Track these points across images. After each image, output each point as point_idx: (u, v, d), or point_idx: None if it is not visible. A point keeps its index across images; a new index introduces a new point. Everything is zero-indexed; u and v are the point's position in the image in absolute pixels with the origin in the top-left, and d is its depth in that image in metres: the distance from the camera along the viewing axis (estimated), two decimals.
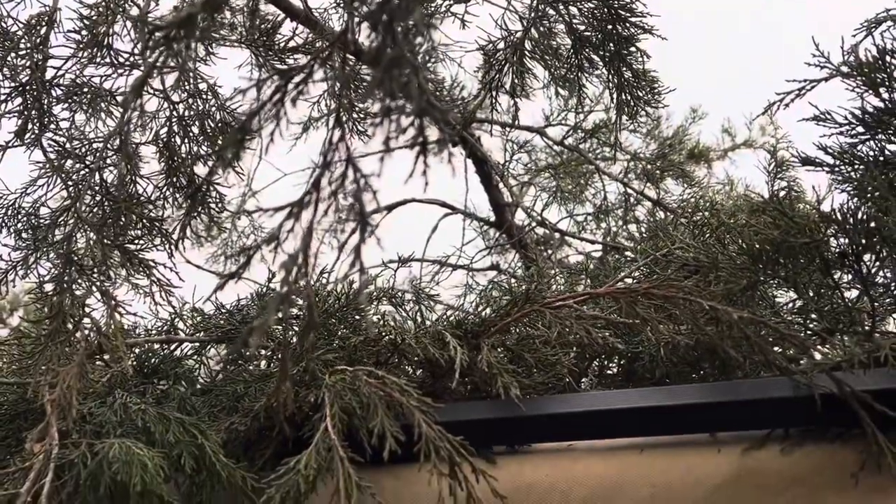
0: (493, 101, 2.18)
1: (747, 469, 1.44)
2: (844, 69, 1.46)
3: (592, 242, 2.44)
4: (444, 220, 2.86)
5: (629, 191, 2.42)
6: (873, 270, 1.44)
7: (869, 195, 1.43)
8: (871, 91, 1.42)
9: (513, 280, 2.00)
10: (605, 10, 1.89)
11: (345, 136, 1.11)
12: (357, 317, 1.78)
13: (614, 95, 2.00)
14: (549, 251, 2.35)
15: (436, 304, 1.96)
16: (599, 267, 2.08)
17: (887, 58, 1.43)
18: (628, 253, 2.08)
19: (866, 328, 1.52)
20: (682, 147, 2.40)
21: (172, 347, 1.72)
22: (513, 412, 1.53)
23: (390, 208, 2.88)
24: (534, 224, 2.44)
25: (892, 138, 1.44)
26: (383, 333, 1.67)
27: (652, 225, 2.14)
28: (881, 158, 1.42)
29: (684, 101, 2.56)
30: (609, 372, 1.86)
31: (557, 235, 2.44)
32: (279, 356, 1.58)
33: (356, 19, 1.03)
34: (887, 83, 1.41)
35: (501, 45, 2.01)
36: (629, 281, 1.76)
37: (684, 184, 2.38)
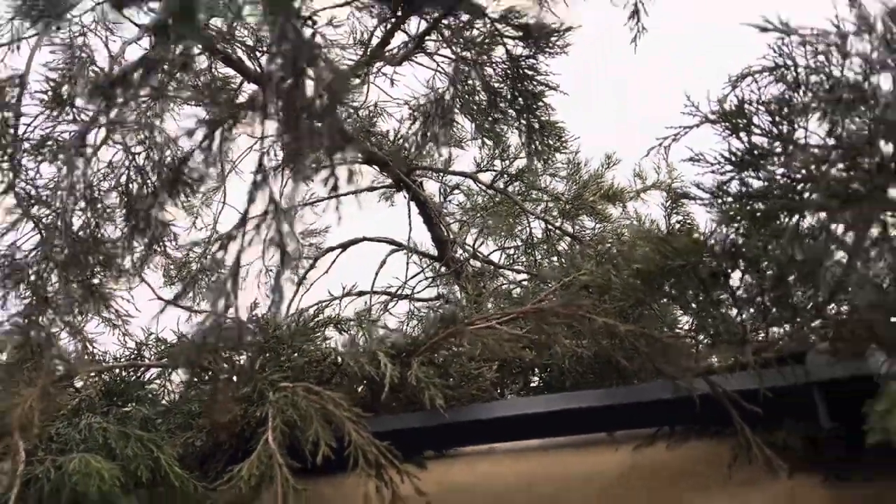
0: (427, 150, 2.27)
1: (639, 464, 1.47)
2: (712, 116, 1.53)
3: (519, 272, 2.53)
4: (392, 256, 2.90)
5: (550, 227, 2.49)
6: (739, 288, 1.51)
7: (735, 224, 1.50)
8: (734, 135, 1.50)
9: (446, 305, 2.02)
10: (515, 69, 1.99)
11: (267, 179, 1.16)
12: (304, 342, 1.81)
13: (527, 143, 2.11)
14: (484, 281, 2.39)
15: (377, 329, 2.00)
16: (523, 293, 2.13)
17: (746, 106, 1.50)
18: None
19: (741, 337, 1.58)
20: (598, 189, 2.48)
21: (138, 373, 1.72)
22: (439, 420, 1.53)
23: (344, 246, 2.95)
24: (468, 257, 2.49)
25: (754, 175, 1.51)
26: (325, 355, 1.69)
27: (566, 255, 2.22)
28: (745, 192, 1.49)
29: (602, 149, 2.66)
30: (532, 385, 1.90)
31: (491, 267, 2.52)
32: (226, 378, 1.60)
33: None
34: (747, 128, 1.49)
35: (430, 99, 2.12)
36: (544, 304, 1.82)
37: (596, 220, 2.46)
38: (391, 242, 2.81)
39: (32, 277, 1.63)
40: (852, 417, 1.26)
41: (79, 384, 1.70)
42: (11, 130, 1.73)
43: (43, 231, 1.73)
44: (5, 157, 1.70)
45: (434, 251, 2.59)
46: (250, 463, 1.32)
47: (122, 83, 1.06)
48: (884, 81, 1.42)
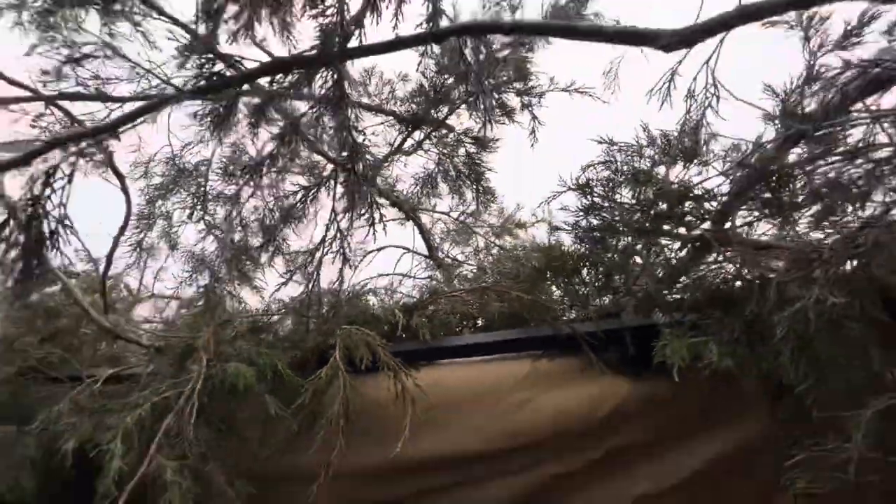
0: (423, 199, 2.30)
1: (533, 370, 1.43)
2: (573, 186, 1.54)
3: (472, 266, 2.56)
4: (404, 256, 2.96)
5: (488, 242, 2.48)
6: (588, 278, 1.53)
7: (584, 242, 1.51)
8: (584, 196, 1.51)
9: (432, 283, 1.99)
10: (471, 159, 2.04)
11: (336, 218, 1.18)
12: (356, 303, 1.77)
13: (476, 197, 2.15)
14: (453, 271, 2.39)
15: (395, 295, 1.96)
16: (475, 278, 2.13)
17: (590, 182, 1.51)
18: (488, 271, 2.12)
19: (586, 303, 1.57)
20: (513, 222, 2.51)
21: (268, 319, 1.66)
22: (427, 346, 1.51)
23: (378, 250, 2.98)
24: (445, 257, 2.48)
25: (595, 217, 1.50)
26: (366, 310, 1.63)
27: (497, 259, 2.19)
28: (589, 226, 1.50)
29: (517, 198, 2.66)
30: (477, 326, 1.86)
31: (457, 262, 2.53)
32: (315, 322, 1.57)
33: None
34: (590, 193, 1.50)
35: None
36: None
37: (513, 238, 2.49)
38: (404, 248, 2.78)
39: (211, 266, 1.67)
40: (644, 347, 1.27)
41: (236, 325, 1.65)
42: (202, 188, 1.76)
43: (218, 242, 1.75)
44: (199, 204, 1.73)
45: (427, 253, 2.56)
46: (326, 369, 1.31)
47: (261, 165, 1.08)
48: (661, 170, 1.45)
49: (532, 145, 1.91)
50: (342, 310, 1.60)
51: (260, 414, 1.32)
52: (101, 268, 2.13)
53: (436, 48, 1.46)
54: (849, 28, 1.24)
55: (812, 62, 1.24)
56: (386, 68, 2.18)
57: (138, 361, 1.73)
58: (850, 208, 1.22)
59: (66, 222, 1.23)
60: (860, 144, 1.21)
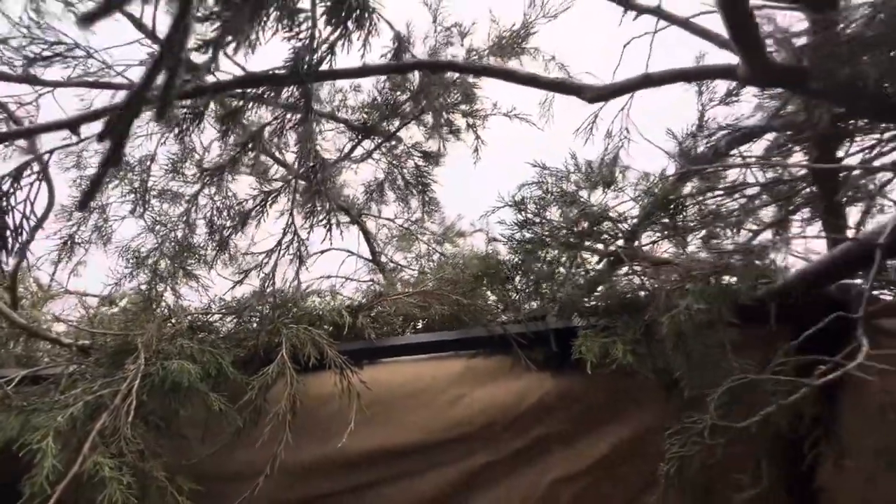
0: (370, 206, 2.35)
1: (469, 367, 1.52)
2: (510, 203, 1.67)
3: (415, 270, 2.64)
4: (349, 259, 2.98)
5: (430, 248, 2.57)
6: (520, 285, 1.67)
7: (519, 253, 1.65)
8: (519, 212, 1.65)
9: (376, 285, 2.02)
10: (418, 170, 2.13)
11: (294, 223, 1.22)
12: (302, 303, 1.77)
13: (421, 207, 2.25)
14: (396, 274, 2.44)
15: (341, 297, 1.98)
16: (416, 281, 2.19)
17: (525, 200, 1.65)
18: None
19: (517, 307, 1.70)
20: (454, 231, 2.58)
21: (209, 317, 1.63)
22: (371, 345, 1.55)
23: (322, 252, 2.96)
24: (388, 261, 2.53)
25: (528, 231, 1.64)
26: (313, 310, 1.63)
27: (438, 264, 2.27)
28: (522, 239, 1.64)
29: (458, 209, 2.78)
30: (418, 328, 1.92)
31: (400, 266, 2.60)
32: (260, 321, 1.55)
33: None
34: (524, 210, 1.64)
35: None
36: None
37: (453, 247, 2.59)
38: (349, 252, 2.79)
39: (151, 263, 1.59)
40: (565, 346, 1.41)
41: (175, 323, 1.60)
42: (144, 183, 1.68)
43: (159, 238, 1.68)
44: (140, 200, 1.64)
45: (370, 256, 2.58)
46: (273, 366, 1.33)
47: (221, 168, 1.09)
48: (584, 194, 1.63)
49: (475, 162, 2.04)
50: (288, 310, 1.60)
51: (202, 412, 1.30)
52: (11, 261, 1.94)
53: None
54: (730, 89, 1.50)
55: (703, 113, 1.48)
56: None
57: (53, 361, 1.61)
58: (728, 233, 1.47)
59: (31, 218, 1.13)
60: (735, 183, 1.46)
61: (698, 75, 1.15)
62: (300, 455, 1.45)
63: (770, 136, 1.39)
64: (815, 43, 0.84)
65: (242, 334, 1.54)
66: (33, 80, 1.52)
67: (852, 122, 1.10)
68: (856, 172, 0.95)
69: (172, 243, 1.61)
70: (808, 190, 1.30)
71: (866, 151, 1.15)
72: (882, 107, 0.83)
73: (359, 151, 2.24)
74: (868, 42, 0.73)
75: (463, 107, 1.92)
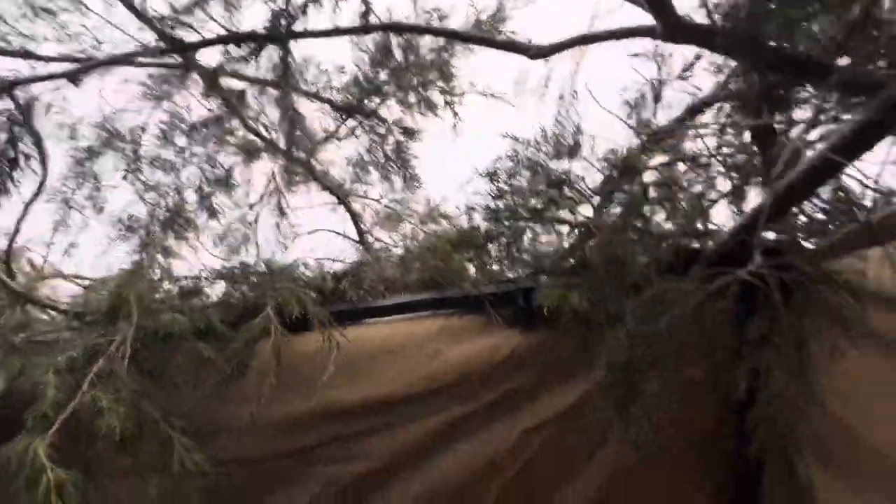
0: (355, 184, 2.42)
1: (445, 326, 1.61)
2: (483, 175, 1.77)
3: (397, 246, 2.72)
4: (335, 239, 3.03)
5: (414, 226, 2.63)
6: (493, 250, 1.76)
7: (491, 220, 1.74)
8: (492, 182, 1.74)
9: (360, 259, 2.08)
10: (399, 146, 2.22)
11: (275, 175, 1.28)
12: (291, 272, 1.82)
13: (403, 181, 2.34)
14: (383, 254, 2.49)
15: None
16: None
17: (498, 171, 1.74)
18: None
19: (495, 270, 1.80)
20: (437, 210, 2.60)
21: (201, 282, 1.68)
22: (354, 307, 1.63)
23: (310, 232, 3.04)
24: (373, 239, 2.60)
25: (499, 201, 1.73)
26: (300, 277, 1.70)
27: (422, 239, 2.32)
28: (495, 208, 1.73)
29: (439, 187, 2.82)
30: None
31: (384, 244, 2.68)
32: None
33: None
34: (496, 181, 1.73)
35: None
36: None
37: (434, 223, 2.65)
38: (337, 233, 2.86)
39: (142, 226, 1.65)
40: (533, 303, 1.51)
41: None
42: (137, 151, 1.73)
43: (151, 205, 1.75)
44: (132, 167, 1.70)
45: (356, 236, 2.64)
46: (258, 319, 1.41)
47: (206, 124, 1.15)
48: (554, 165, 1.73)
49: (453, 140, 2.13)
50: (275, 274, 1.67)
51: (191, 364, 1.37)
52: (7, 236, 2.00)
53: (369, 43, 1.61)
54: (686, 65, 1.61)
55: (659, 88, 1.59)
56: (324, 59, 2.29)
57: (52, 327, 1.68)
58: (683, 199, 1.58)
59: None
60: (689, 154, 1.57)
61: (626, 34, 1.26)
62: (287, 409, 1.54)
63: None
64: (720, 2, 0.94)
65: (230, 298, 1.61)
66: (28, 56, 1.58)
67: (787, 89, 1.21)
68: (791, 136, 1.05)
69: (163, 209, 1.68)
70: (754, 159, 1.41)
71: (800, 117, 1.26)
72: (778, 60, 0.94)
73: (343, 131, 2.32)
74: (764, 2, 0.83)
75: (440, 84, 2.01)
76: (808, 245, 1.13)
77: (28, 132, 1.77)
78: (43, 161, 1.88)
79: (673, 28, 1.00)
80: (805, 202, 1.17)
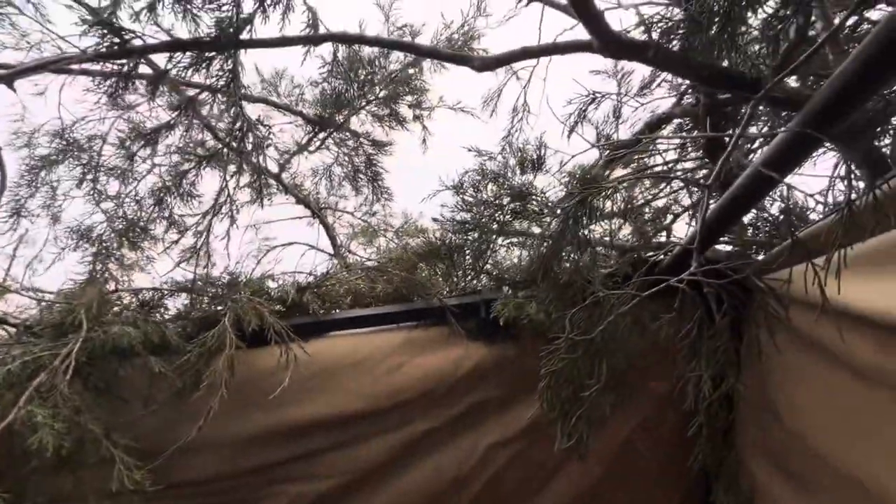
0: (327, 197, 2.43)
1: (409, 339, 1.60)
2: (451, 186, 1.78)
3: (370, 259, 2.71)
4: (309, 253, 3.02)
5: (385, 237, 2.64)
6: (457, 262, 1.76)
7: (456, 232, 1.74)
8: (457, 195, 1.76)
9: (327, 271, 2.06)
10: (369, 159, 2.24)
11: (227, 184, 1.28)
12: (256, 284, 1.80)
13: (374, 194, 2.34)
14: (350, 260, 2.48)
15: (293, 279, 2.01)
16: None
17: (464, 184, 1.76)
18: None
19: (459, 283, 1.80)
20: (408, 223, 2.67)
21: (158, 295, 1.68)
22: (316, 319, 1.59)
23: (283, 245, 3.02)
24: (346, 252, 2.59)
25: (465, 213, 1.74)
26: (264, 290, 1.65)
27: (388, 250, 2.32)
28: (460, 220, 1.73)
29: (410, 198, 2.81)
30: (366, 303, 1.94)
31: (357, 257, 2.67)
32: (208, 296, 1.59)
33: None
34: (463, 194, 1.74)
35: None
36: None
37: (403, 237, 2.65)
38: (310, 246, 2.84)
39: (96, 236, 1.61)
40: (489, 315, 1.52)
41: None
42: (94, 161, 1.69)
43: (106, 214, 1.70)
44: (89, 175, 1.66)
45: (330, 248, 2.64)
46: (214, 331, 1.36)
47: (158, 132, 1.15)
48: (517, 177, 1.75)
49: (423, 152, 2.15)
50: (237, 287, 1.64)
51: (142, 379, 1.33)
52: None
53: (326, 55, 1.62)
54: (643, 83, 1.66)
55: (619, 104, 1.63)
56: (297, 73, 2.31)
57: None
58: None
59: None
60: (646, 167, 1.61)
61: (566, 49, 1.30)
62: (245, 426, 1.51)
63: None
64: (654, 21, 0.99)
65: (190, 311, 1.57)
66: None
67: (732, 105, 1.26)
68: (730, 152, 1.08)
69: (120, 218, 1.64)
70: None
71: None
72: (711, 75, 0.98)
73: (315, 144, 2.32)
74: (692, 22, 0.87)
75: (408, 98, 2.04)
76: (755, 257, 1.16)
77: None
78: (1, 168, 1.84)
79: (606, 43, 1.03)
80: (754, 214, 1.20)
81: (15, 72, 1.18)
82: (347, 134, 2.16)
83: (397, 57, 2.06)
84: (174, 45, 1.09)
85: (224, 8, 1.05)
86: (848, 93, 0.70)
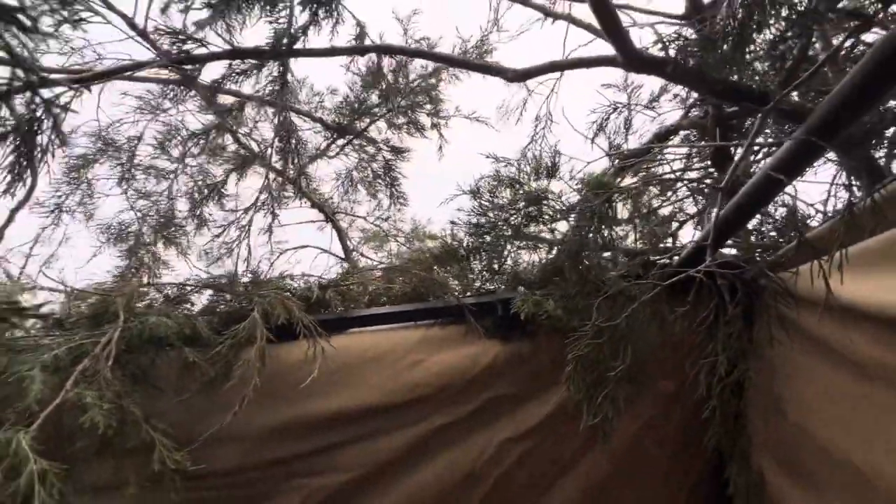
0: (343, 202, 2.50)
1: (426, 336, 1.64)
2: (467, 191, 1.86)
3: (381, 262, 2.77)
4: (321, 256, 3.08)
5: (398, 242, 2.70)
6: (474, 263, 1.83)
7: (474, 235, 1.82)
8: (474, 199, 1.83)
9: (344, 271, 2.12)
10: (388, 164, 2.32)
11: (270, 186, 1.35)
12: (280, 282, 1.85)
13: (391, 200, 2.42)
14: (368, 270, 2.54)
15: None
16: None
17: (479, 188, 1.84)
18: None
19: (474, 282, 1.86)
20: (422, 230, 2.71)
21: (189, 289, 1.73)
22: (339, 315, 1.66)
23: (295, 249, 3.08)
24: (358, 254, 2.66)
25: (482, 217, 1.81)
26: (288, 288, 1.71)
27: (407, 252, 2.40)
28: (476, 223, 1.81)
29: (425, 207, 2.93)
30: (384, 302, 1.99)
31: (370, 261, 2.74)
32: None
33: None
34: (480, 198, 1.83)
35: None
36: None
37: (418, 241, 2.73)
38: (322, 250, 2.90)
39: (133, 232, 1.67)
40: (513, 315, 1.56)
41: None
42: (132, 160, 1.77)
43: (140, 213, 1.77)
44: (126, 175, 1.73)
45: (341, 252, 2.69)
46: (244, 325, 1.41)
47: (206, 133, 1.22)
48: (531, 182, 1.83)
49: (439, 159, 2.24)
50: (262, 284, 1.69)
51: (176, 369, 1.38)
52: None
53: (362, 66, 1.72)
54: (652, 96, 1.76)
55: (630, 115, 1.73)
56: (317, 82, 2.40)
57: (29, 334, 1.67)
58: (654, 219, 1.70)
59: None
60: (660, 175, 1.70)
61: (592, 63, 1.40)
62: (268, 419, 1.54)
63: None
64: (672, 39, 1.08)
65: (217, 306, 1.62)
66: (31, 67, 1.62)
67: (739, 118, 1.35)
68: (741, 158, 1.16)
69: (155, 216, 1.70)
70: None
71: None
72: (723, 90, 1.07)
73: (334, 150, 2.41)
74: (707, 41, 0.96)
75: (428, 107, 2.13)
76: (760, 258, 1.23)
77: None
78: (33, 169, 1.90)
79: (630, 58, 1.12)
80: (758, 220, 1.29)
81: (90, 76, 1.26)
82: (366, 140, 2.25)
83: (415, 67, 2.15)
84: (234, 54, 1.17)
85: (281, 20, 1.13)
86: (847, 106, 0.79)
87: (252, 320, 1.41)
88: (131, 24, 1.73)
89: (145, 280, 1.58)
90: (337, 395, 1.60)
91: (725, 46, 0.87)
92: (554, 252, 1.67)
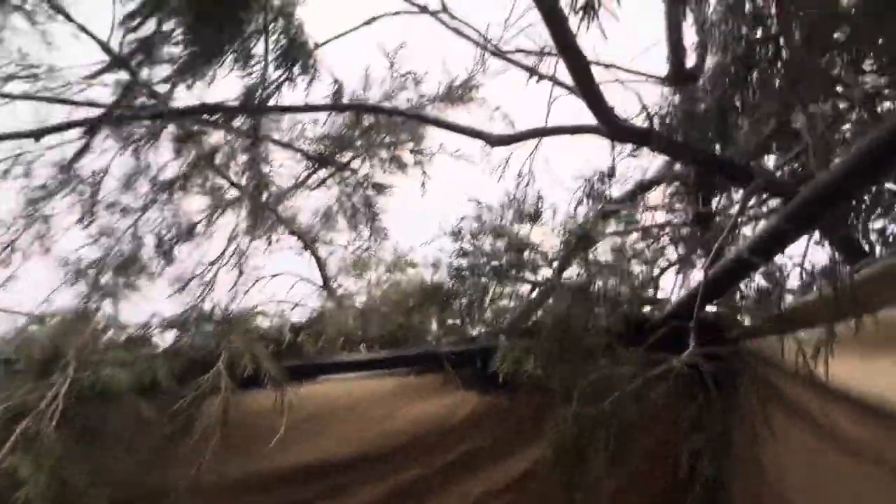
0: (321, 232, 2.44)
1: (401, 384, 1.59)
2: (448, 233, 1.83)
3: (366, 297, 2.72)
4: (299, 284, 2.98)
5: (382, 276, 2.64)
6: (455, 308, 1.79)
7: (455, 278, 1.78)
8: (455, 241, 1.80)
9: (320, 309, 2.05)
10: (367, 199, 2.28)
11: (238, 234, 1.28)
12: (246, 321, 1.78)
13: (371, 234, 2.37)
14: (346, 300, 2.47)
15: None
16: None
17: (462, 231, 1.80)
18: None
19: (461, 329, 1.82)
20: (404, 260, 2.68)
21: (147, 331, 1.63)
22: (311, 361, 1.59)
23: (273, 276, 2.99)
24: (337, 286, 2.58)
25: (464, 259, 1.78)
26: (256, 329, 1.63)
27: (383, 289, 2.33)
28: (458, 266, 1.77)
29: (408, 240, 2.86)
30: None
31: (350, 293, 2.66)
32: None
33: None
34: (461, 239, 1.79)
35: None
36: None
37: (400, 274, 2.67)
38: (299, 276, 2.81)
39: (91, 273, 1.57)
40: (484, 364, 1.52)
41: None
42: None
43: (103, 251, 1.67)
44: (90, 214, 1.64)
45: (320, 281, 2.63)
46: (209, 375, 1.35)
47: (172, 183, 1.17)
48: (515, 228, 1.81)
49: (422, 195, 2.21)
50: (230, 325, 1.61)
51: (130, 424, 1.29)
52: None
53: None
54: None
55: (613, 163, 1.73)
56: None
57: None
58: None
59: None
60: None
61: (574, 130, 1.40)
62: (233, 472, 1.46)
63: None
64: (655, 113, 1.08)
65: (181, 348, 1.53)
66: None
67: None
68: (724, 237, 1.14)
69: (118, 255, 1.61)
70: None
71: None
72: (705, 161, 1.08)
73: (314, 180, 2.36)
74: (689, 116, 0.96)
75: (410, 145, 2.11)
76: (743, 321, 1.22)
77: None
78: None
79: (615, 130, 1.13)
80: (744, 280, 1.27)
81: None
82: (348, 173, 2.21)
83: (400, 102, 2.13)
84: (204, 110, 1.13)
85: (253, 75, 1.10)
86: (835, 188, 0.78)
87: (216, 371, 1.32)
88: (107, 49, 1.67)
89: (103, 322, 1.48)
90: (307, 446, 1.52)
91: (708, 122, 0.88)
92: (535, 295, 1.64)
